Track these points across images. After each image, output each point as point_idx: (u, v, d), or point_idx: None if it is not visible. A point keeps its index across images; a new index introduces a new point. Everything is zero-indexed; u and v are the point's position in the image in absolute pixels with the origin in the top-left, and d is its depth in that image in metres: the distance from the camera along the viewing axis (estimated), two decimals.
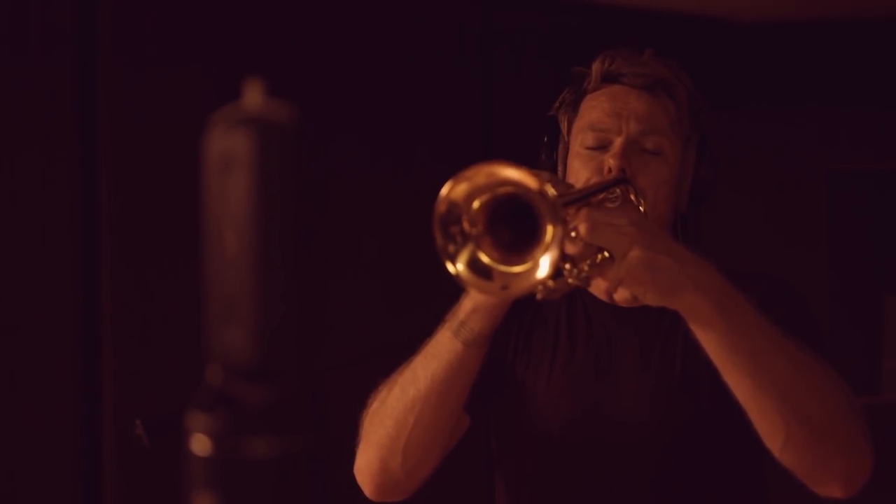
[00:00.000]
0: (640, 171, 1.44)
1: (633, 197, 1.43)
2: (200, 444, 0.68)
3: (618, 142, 1.45)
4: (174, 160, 1.88)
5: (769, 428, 1.32)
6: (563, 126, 1.52)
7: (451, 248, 1.22)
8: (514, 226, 1.23)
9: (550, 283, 1.28)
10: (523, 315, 1.50)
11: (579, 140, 1.49)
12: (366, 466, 1.46)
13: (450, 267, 1.21)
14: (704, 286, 1.29)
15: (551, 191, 1.18)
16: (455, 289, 1.31)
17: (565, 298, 1.47)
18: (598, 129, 1.47)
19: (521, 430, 1.51)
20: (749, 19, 2.99)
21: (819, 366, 1.34)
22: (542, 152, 1.52)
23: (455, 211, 1.21)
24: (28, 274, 2.15)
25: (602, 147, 1.46)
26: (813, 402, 1.31)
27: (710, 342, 1.31)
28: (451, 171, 1.21)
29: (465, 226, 1.21)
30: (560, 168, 1.51)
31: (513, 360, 1.51)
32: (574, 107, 1.52)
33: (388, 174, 2.50)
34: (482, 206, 1.21)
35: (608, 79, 1.50)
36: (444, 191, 1.20)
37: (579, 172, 1.46)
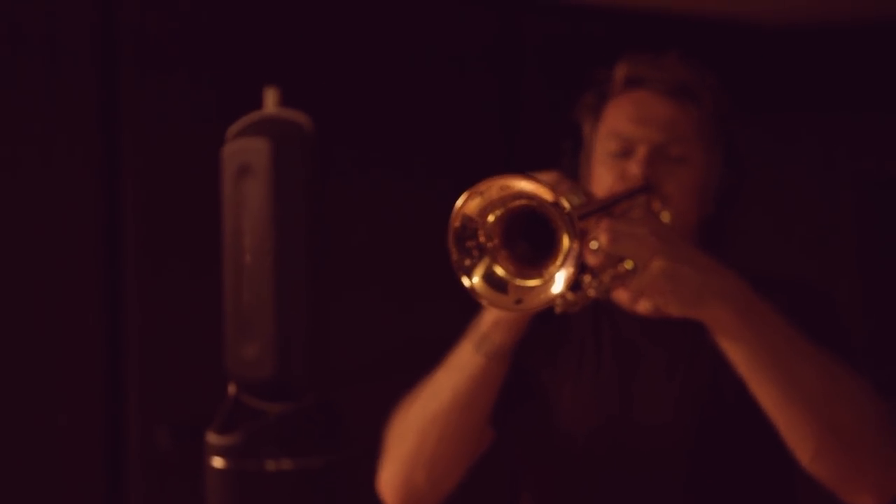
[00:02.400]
0: (665, 178, 1.42)
1: (656, 205, 1.42)
2: (219, 459, 0.67)
3: (642, 149, 1.43)
4: (195, 168, 1.88)
5: (798, 439, 1.30)
6: (586, 130, 1.50)
7: (467, 262, 1.20)
8: (530, 239, 1.21)
9: (569, 295, 1.26)
10: (549, 325, 1.49)
11: (602, 146, 1.47)
12: (390, 480, 1.45)
13: (465, 281, 1.20)
14: (728, 296, 1.28)
15: (567, 203, 1.17)
16: (476, 300, 1.30)
17: (591, 309, 1.46)
18: (621, 135, 1.45)
19: (546, 441, 1.50)
20: (779, 24, 2.97)
21: (848, 374, 1.32)
22: (563, 157, 1.51)
23: (470, 225, 1.19)
24: (51, 281, 2.15)
25: (626, 153, 1.44)
26: (843, 411, 1.29)
27: (735, 352, 1.29)
28: (472, 179, 1.19)
29: (481, 240, 1.20)
30: (582, 173, 1.49)
31: (538, 371, 1.50)
32: (596, 111, 1.50)
33: (406, 184, 2.49)
34: (497, 219, 1.20)
35: (631, 83, 1.47)
36: (459, 205, 1.19)
37: (602, 179, 1.44)
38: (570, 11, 2.68)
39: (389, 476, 1.45)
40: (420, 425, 1.41)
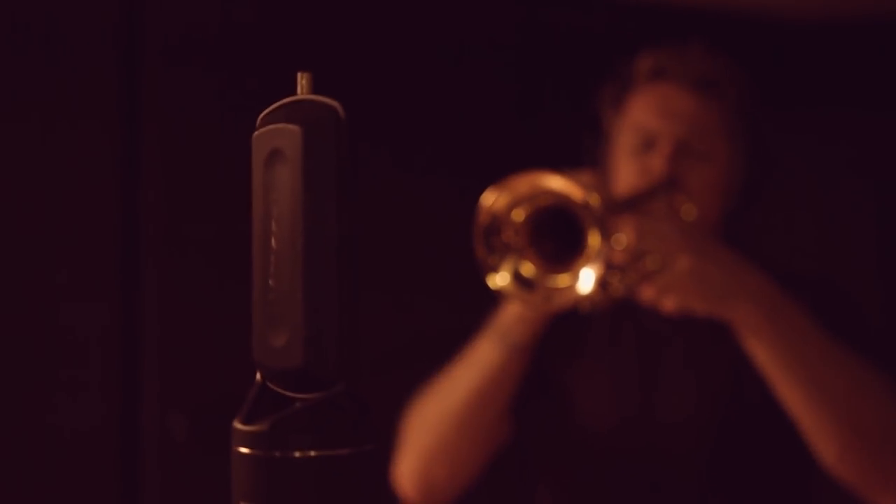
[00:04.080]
0: (689, 174, 1.40)
1: (680, 201, 1.40)
2: (245, 447, 0.67)
3: (666, 144, 1.41)
4: (226, 153, 1.88)
5: (822, 439, 1.29)
6: (607, 122, 1.48)
7: (493, 259, 1.19)
8: (557, 236, 1.20)
9: (596, 294, 1.25)
10: (569, 319, 1.48)
11: (625, 140, 1.45)
12: (409, 474, 1.44)
13: (491, 279, 1.19)
14: (753, 294, 1.26)
15: (596, 202, 1.15)
16: (503, 298, 1.29)
17: (613, 306, 1.45)
18: (644, 129, 1.43)
19: (564, 436, 1.49)
20: (804, 19, 2.95)
21: (873, 374, 1.30)
22: (583, 150, 1.49)
23: (497, 222, 1.18)
24: (72, 266, 2.15)
25: (648, 147, 1.42)
26: (867, 411, 1.28)
27: (759, 352, 1.28)
28: (500, 169, 1.18)
29: (508, 237, 1.19)
30: (603, 165, 1.48)
31: (558, 367, 1.49)
32: (618, 103, 1.47)
33: (434, 174, 2.48)
34: (525, 216, 1.19)
35: (655, 75, 1.46)
36: (486, 201, 1.18)
37: (625, 173, 1.43)
38: (593, 3, 2.66)
39: (408, 469, 1.44)
40: (440, 419, 1.41)
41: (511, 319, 1.35)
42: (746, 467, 1.43)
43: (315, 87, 0.68)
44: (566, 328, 1.47)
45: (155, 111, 2.20)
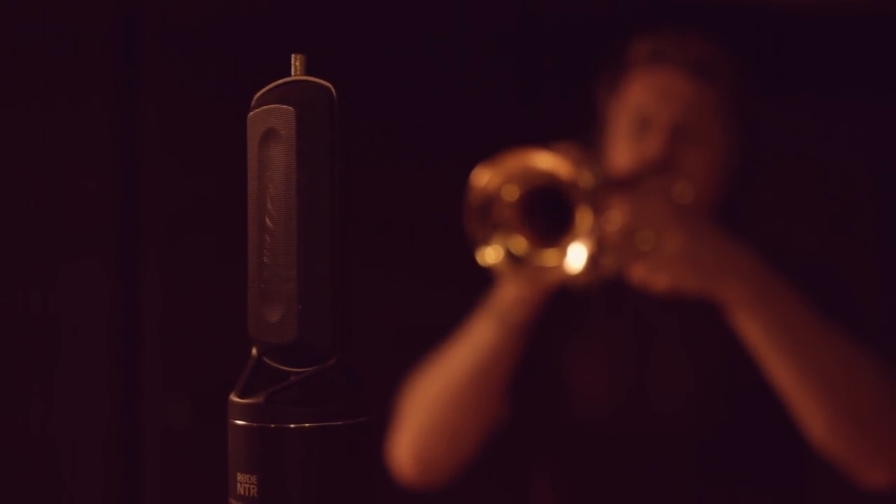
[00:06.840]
0: (685, 157, 1.41)
1: (675, 183, 1.41)
2: (241, 420, 0.68)
3: (661, 127, 1.41)
4: (220, 134, 1.89)
5: (811, 416, 1.30)
6: (602, 105, 1.49)
7: (485, 238, 1.20)
8: (548, 215, 1.21)
9: (587, 272, 1.26)
10: (563, 301, 1.49)
11: (620, 122, 1.46)
12: (405, 452, 1.45)
13: (482, 257, 1.20)
14: (744, 272, 1.28)
15: (587, 181, 1.16)
16: (494, 277, 1.29)
17: (607, 289, 1.46)
18: (640, 111, 1.43)
19: (560, 419, 1.50)
20: (803, 10, 2.95)
21: (862, 351, 1.32)
22: (579, 133, 1.50)
23: (488, 200, 1.19)
24: (70, 249, 2.16)
25: (644, 130, 1.43)
26: (856, 386, 1.30)
27: (749, 329, 1.29)
28: (487, 148, 1.19)
29: (499, 215, 1.20)
30: (598, 148, 1.48)
31: (554, 350, 1.50)
32: (614, 87, 1.48)
33: (430, 156, 2.49)
34: (516, 194, 1.20)
35: (651, 59, 1.46)
36: (477, 179, 1.18)
37: (620, 155, 1.44)
38: None
39: (405, 448, 1.45)
40: (437, 398, 1.42)
41: (509, 299, 1.36)
42: (742, 449, 1.45)
43: (309, 69, 0.69)
44: (561, 311, 1.49)
45: (152, 92, 2.21)
